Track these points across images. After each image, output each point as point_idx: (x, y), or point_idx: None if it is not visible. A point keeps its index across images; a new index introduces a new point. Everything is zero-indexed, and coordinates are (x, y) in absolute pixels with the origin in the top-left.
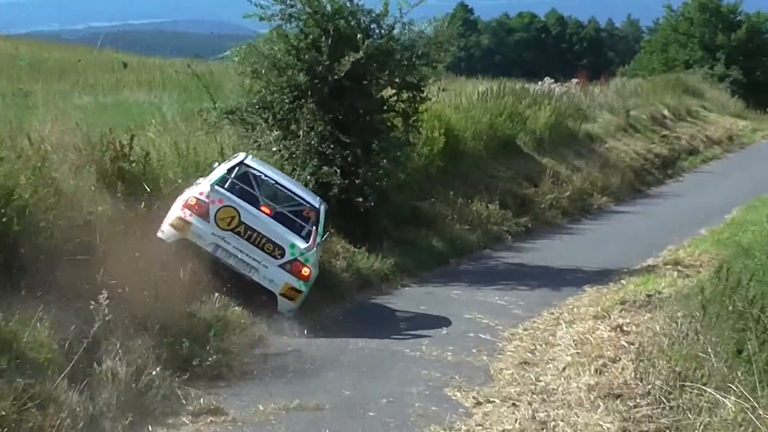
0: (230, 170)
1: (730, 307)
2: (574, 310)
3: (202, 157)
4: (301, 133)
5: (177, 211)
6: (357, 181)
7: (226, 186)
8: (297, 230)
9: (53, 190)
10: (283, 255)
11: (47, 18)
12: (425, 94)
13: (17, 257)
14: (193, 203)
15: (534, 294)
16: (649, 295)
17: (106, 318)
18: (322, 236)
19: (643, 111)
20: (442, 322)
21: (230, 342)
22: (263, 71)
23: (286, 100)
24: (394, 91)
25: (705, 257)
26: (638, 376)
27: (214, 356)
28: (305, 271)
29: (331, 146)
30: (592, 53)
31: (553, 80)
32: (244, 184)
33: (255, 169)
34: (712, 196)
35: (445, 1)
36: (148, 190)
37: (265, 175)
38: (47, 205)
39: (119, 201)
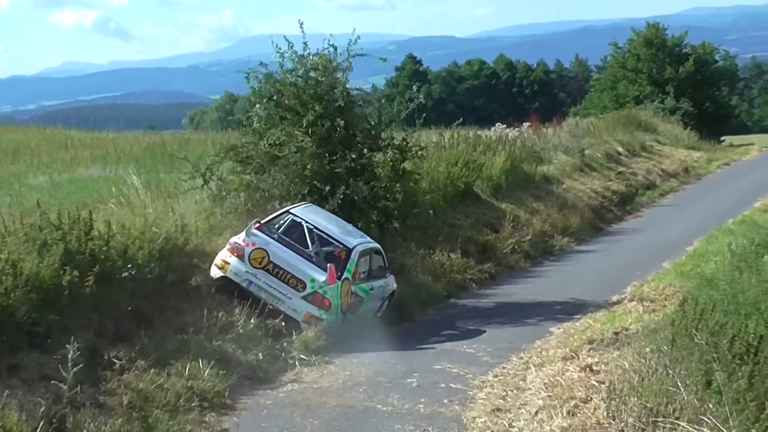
0: (273, 218)
1: (697, 339)
2: (543, 352)
3: (164, 229)
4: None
5: (222, 253)
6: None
7: (263, 231)
8: (323, 267)
9: (11, 271)
10: (304, 288)
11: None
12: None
13: None
14: (233, 247)
15: (502, 339)
16: (616, 333)
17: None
18: (352, 273)
19: (598, 149)
20: (412, 374)
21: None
22: (285, 100)
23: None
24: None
25: (669, 290)
26: (610, 414)
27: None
28: (326, 301)
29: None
30: (543, 95)
31: (505, 125)
32: (286, 229)
33: (298, 216)
34: (672, 228)
35: (397, 54)
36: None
37: (306, 221)
38: (6, 287)
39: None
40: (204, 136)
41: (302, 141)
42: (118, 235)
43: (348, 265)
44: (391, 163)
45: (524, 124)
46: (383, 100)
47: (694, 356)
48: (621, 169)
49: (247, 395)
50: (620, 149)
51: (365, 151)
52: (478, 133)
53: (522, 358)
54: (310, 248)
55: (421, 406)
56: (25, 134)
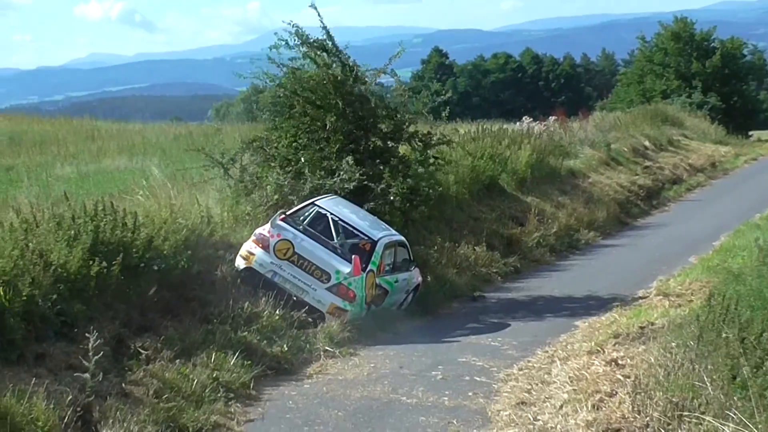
0: (298, 210)
1: (724, 334)
2: (568, 346)
3: (189, 220)
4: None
5: (247, 245)
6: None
7: (288, 223)
8: (348, 259)
9: (39, 260)
10: (329, 279)
11: (26, 91)
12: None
13: (6, 330)
14: (258, 238)
15: (527, 333)
16: (642, 327)
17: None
18: (377, 265)
19: (624, 143)
20: (437, 366)
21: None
22: (300, 90)
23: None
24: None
25: (696, 285)
26: (636, 409)
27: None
28: (350, 293)
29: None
30: (569, 89)
31: (531, 119)
32: (311, 221)
33: (324, 208)
34: (698, 223)
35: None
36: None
37: (331, 213)
38: (33, 276)
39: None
40: (230, 128)
41: (323, 145)
42: (143, 226)
43: (373, 257)
44: (416, 153)
45: (550, 117)
46: (407, 91)
47: (720, 351)
48: (647, 163)
49: (271, 386)
50: (647, 143)
51: (389, 143)
52: (504, 126)
53: (547, 351)
54: (335, 240)
55: (446, 398)
56: (52, 125)
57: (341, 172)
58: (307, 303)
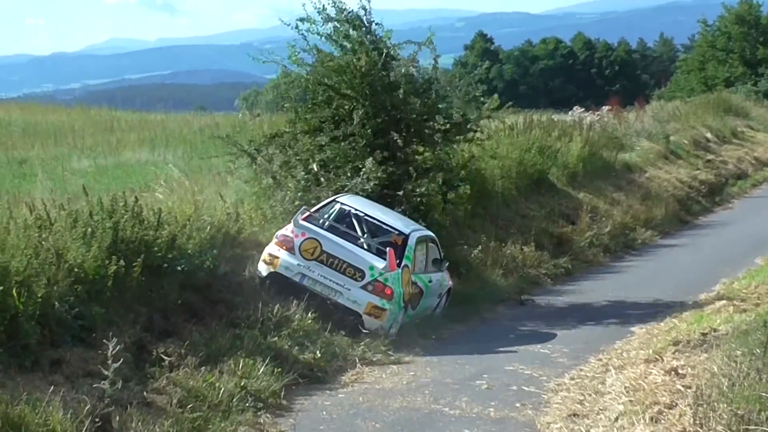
0: (320, 208)
1: None
2: (624, 354)
3: (215, 218)
4: (356, 128)
5: (269, 248)
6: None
7: (311, 222)
8: (380, 254)
9: (55, 260)
10: (363, 277)
11: (40, 79)
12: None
13: (20, 334)
14: (280, 240)
15: (579, 340)
16: (704, 334)
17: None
18: (411, 260)
19: (684, 135)
20: (482, 375)
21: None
22: (326, 80)
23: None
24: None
25: (762, 289)
26: (697, 422)
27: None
28: (387, 290)
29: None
30: (624, 77)
31: (583, 109)
32: (335, 219)
33: (347, 205)
34: (765, 222)
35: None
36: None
37: (355, 209)
38: (48, 277)
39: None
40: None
41: (349, 141)
42: (166, 223)
43: (406, 252)
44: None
45: (603, 107)
46: (455, 78)
47: None
48: (709, 157)
49: (304, 395)
50: (709, 135)
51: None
52: (553, 117)
53: (601, 359)
54: (362, 236)
55: (491, 409)
56: (68, 115)
57: (364, 173)
58: (341, 305)
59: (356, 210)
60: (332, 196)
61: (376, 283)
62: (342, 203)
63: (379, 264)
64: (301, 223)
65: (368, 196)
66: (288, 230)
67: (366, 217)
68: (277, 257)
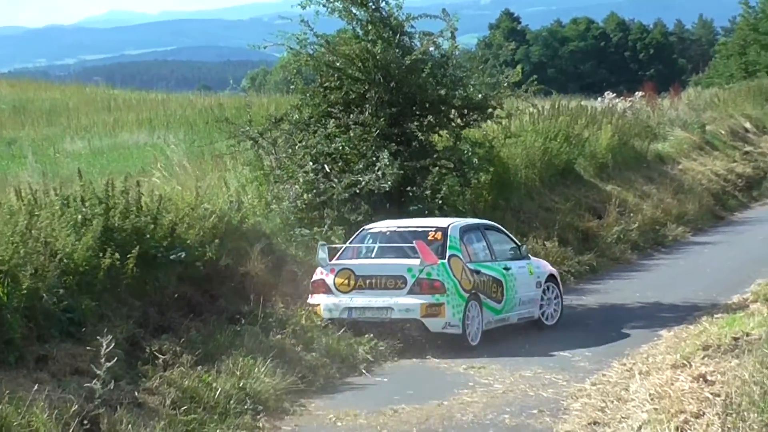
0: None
1: None
2: (649, 359)
3: (217, 206)
4: (369, 117)
5: (309, 300)
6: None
7: (338, 255)
8: (413, 253)
9: (43, 249)
10: (405, 282)
11: (34, 53)
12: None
13: (4, 328)
14: (314, 285)
15: (602, 343)
16: (735, 338)
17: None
18: (458, 249)
19: (721, 125)
20: (498, 379)
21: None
22: (338, 63)
23: (356, 90)
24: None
25: None
26: (726, 431)
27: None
28: (436, 283)
29: (395, 137)
30: (660, 61)
31: (615, 95)
32: (359, 242)
33: (374, 228)
34: None
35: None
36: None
37: (386, 228)
38: (36, 267)
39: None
40: (266, 99)
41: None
42: (165, 211)
43: (449, 242)
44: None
45: (637, 93)
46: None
47: None
48: (748, 148)
49: (307, 398)
50: (748, 125)
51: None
52: (582, 103)
53: (625, 364)
54: (394, 246)
55: (507, 416)
56: (62, 92)
57: (378, 168)
58: (398, 320)
59: (385, 228)
60: (342, 191)
61: (421, 282)
62: (367, 229)
63: (415, 261)
64: (325, 261)
65: (384, 195)
66: (318, 273)
67: (397, 230)
68: (317, 305)
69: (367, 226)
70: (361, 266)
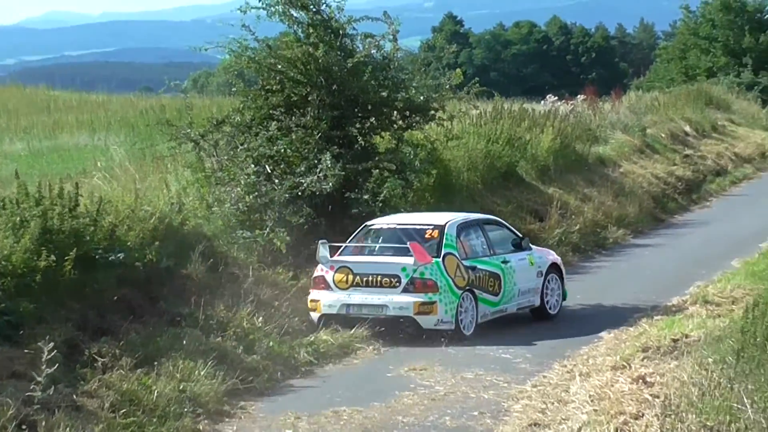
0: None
1: None
2: (590, 360)
3: (158, 208)
4: (311, 119)
5: (310, 295)
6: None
7: (339, 252)
8: (408, 252)
9: None
10: (400, 281)
11: None
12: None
13: None
14: (315, 282)
15: (543, 344)
16: (674, 340)
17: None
18: (454, 247)
19: (662, 128)
20: (439, 381)
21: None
22: (279, 66)
23: (298, 92)
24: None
25: (738, 293)
26: None
27: None
28: (429, 282)
29: (337, 140)
30: (601, 65)
31: (557, 98)
32: (359, 240)
33: (376, 225)
34: (744, 222)
35: (434, 13)
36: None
37: (387, 224)
38: None
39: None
40: (209, 101)
41: (303, 133)
42: (105, 213)
43: (444, 241)
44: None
45: (578, 97)
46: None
47: (763, 369)
48: (688, 151)
49: (248, 401)
50: (688, 129)
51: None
52: (525, 106)
53: (565, 366)
54: (392, 245)
55: (448, 418)
56: (0, 93)
57: (320, 170)
58: (392, 317)
59: (386, 225)
60: (284, 193)
61: (414, 282)
62: (369, 225)
63: (409, 261)
64: (326, 258)
65: (326, 198)
66: (318, 270)
67: (397, 227)
68: (318, 300)
69: (368, 222)
70: (359, 264)
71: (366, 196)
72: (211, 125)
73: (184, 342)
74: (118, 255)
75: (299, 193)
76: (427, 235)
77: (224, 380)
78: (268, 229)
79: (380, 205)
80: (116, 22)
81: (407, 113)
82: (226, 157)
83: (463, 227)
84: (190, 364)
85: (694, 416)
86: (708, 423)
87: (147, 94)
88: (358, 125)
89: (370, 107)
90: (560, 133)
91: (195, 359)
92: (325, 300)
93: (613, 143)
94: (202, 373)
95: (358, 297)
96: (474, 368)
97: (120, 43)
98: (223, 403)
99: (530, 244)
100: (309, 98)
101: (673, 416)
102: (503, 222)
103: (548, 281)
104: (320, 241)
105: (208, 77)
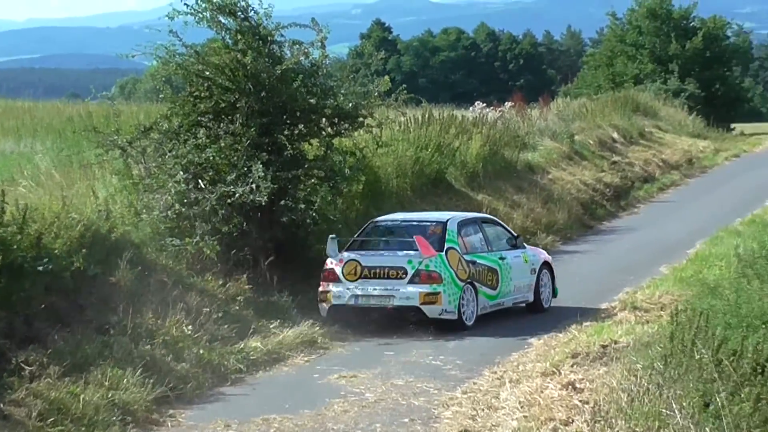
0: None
1: (696, 356)
2: (520, 367)
3: (85, 215)
4: (239, 126)
5: (320, 287)
6: (283, 202)
7: (347, 247)
8: (414, 246)
9: None
10: (406, 273)
11: None
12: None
13: None
14: (325, 274)
15: (473, 351)
16: (603, 346)
17: None
18: (456, 242)
19: (590, 135)
20: (370, 388)
21: None
22: (207, 73)
23: (226, 99)
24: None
25: (666, 299)
26: None
27: None
28: (433, 274)
29: (266, 147)
30: (529, 71)
31: (485, 104)
32: (367, 235)
33: (381, 221)
34: (671, 228)
35: (362, 20)
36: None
37: (391, 221)
38: None
39: None
40: (136, 107)
41: (231, 141)
42: (31, 220)
43: (447, 236)
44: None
45: (506, 103)
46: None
47: (691, 375)
48: (615, 158)
49: (177, 409)
50: (615, 136)
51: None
52: (454, 112)
53: (495, 372)
54: (397, 240)
55: (378, 425)
56: None
57: (251, 180)
58: (398, 307)
59: (391, 221)
60: (215, 202)
61: (420, 274)
62: (375, 221)
63: (415, 254)
64: (335, 253)
65: (258, 208)
66: (328, 263)
67: (402, 223)
68: (328, 291)
69: (374, 219)
70: (367, 257)
71: (302, 205)
72: (139, 132)
73: (113, 350)
74: (45, 262)
75: (230, 202)
76: (429, 231)
77: (153, 388)
78: (197, 237)
79: (314, 215)
80: (42, 29)
81: (336, 120)
82: (154, 164)
83: (463, 224)
84: (118, 372)
85: (623, 422)
86: (637, 429)
87: (74, 101)
88: (286, 132)
89: (298, 114)
90: (489, 139)
91: (123, 367)
92: (335, 291)
93: (541, 150)
94: (130, 381)
95: (366, 288)
96: (404, 375)
97: (46, 49)
98: (152, 411)
99: (524, 243)
100: (237, 105)
101: (602, 422)
102: (499, 221)
103: (541, 277)
104: (330, 237)
105: (135, 84)
